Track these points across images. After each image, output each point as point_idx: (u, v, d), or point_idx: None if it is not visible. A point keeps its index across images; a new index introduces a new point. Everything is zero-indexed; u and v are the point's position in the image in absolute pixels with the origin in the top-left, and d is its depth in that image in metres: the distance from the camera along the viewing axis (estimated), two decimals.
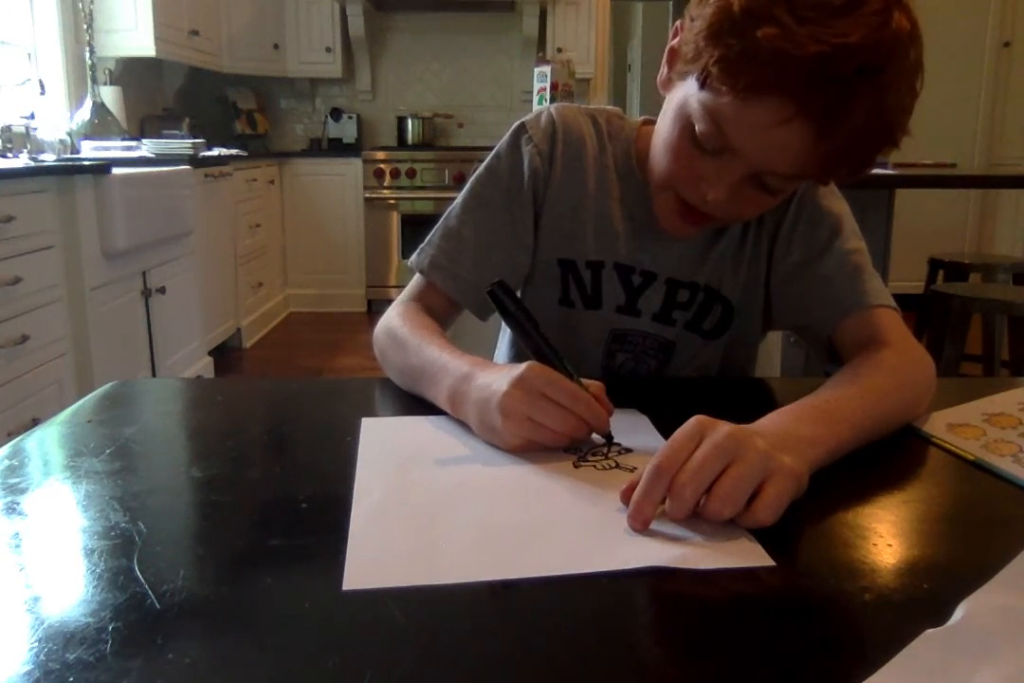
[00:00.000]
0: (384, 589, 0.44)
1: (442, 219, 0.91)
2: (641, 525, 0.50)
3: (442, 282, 0.88)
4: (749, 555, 0.48)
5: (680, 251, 0.90)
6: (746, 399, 0.82)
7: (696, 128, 0.72)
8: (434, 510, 0.54)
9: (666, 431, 0.65)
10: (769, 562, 0.47)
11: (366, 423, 0.70)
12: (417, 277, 0.91)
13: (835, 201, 0.89)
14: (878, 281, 0.85)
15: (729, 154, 0.72)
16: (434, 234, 0.91)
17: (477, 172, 0.92)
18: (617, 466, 0.61)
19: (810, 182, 0.87)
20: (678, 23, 0.76)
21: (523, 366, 0.63)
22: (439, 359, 0.72)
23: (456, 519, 0.52)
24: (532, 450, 0.63)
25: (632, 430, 0.68)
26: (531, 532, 0.51)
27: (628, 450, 0.64)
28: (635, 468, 0.60)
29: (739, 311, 0.91)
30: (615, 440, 0.65)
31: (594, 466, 0.61)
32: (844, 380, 0.70)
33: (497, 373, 0.65)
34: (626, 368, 0.94)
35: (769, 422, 0.60)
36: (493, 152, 0.92)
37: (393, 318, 0.84)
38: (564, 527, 0.52)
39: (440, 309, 0.89)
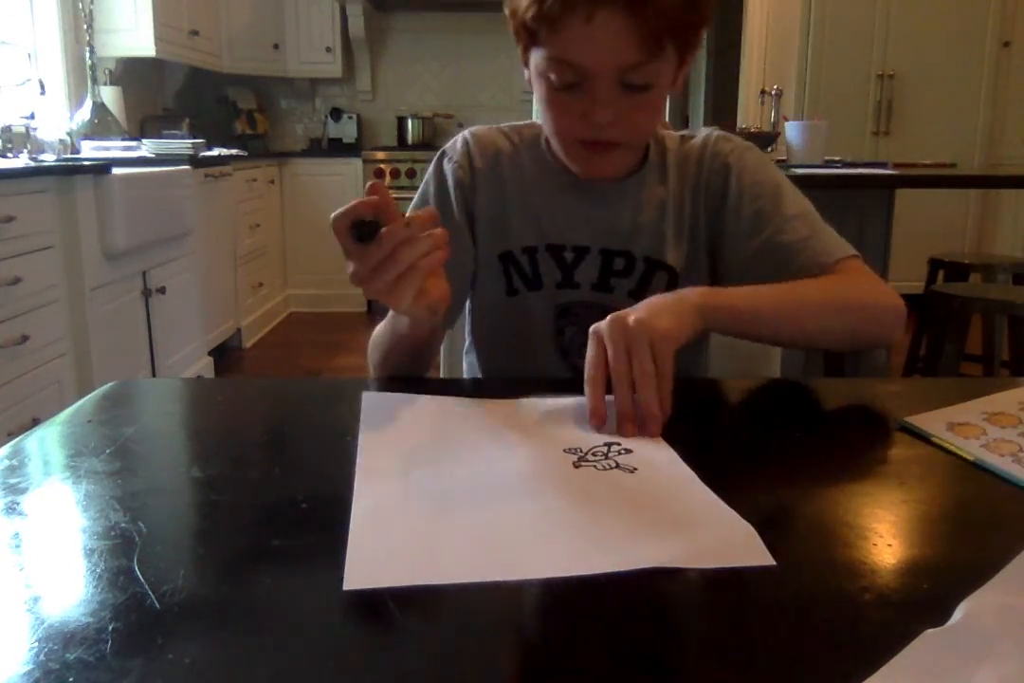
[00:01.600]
0: (384, 589, 0.44)
1: None
2: (599, 420, 0.67)
3: None
4: (750, 553, 0.48)
5: (606, 223, 0.96)
6: (745, 400, 0.82)
7: (552, 78, 0.82)
8: (435, 510, 0.54)
9: (664, 432, 0.65)
10: (770, 561, 0.47)
11: (367, 398, 0.70)
12: None
13: (768, 170, 0.95)
14: (832, 235, 0.90)
15: (587, 80, 0.81)
16: None
17: (412, 201, 1.01)
18: (617, 466, 0.61)
19: (737, 158, 0.94)
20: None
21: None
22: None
23: (457, 519, 0.52)
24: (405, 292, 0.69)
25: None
26: (532, 532, 0.51)
27: (628, 451, 0.64)
28: (635, 469, 0.60)
29: (686, 279, 0.96)
30: (615, 441, 0.65)
31: (594, 466, 0.61)
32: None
33: None
34: (577, 341, 0.98)
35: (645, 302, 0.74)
36: (423, 183, 1.01)
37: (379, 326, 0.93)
38: (564, 527, 0.52)
39: None
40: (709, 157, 0.95)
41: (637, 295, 0.96)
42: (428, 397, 0.73)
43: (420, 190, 1.01)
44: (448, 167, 0.99)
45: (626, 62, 0.79)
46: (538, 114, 0.92)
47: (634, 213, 0.96)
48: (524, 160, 0.99)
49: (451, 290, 0.98)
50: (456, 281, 0.96)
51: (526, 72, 0.88)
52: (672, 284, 0.96)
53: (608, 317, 0.70)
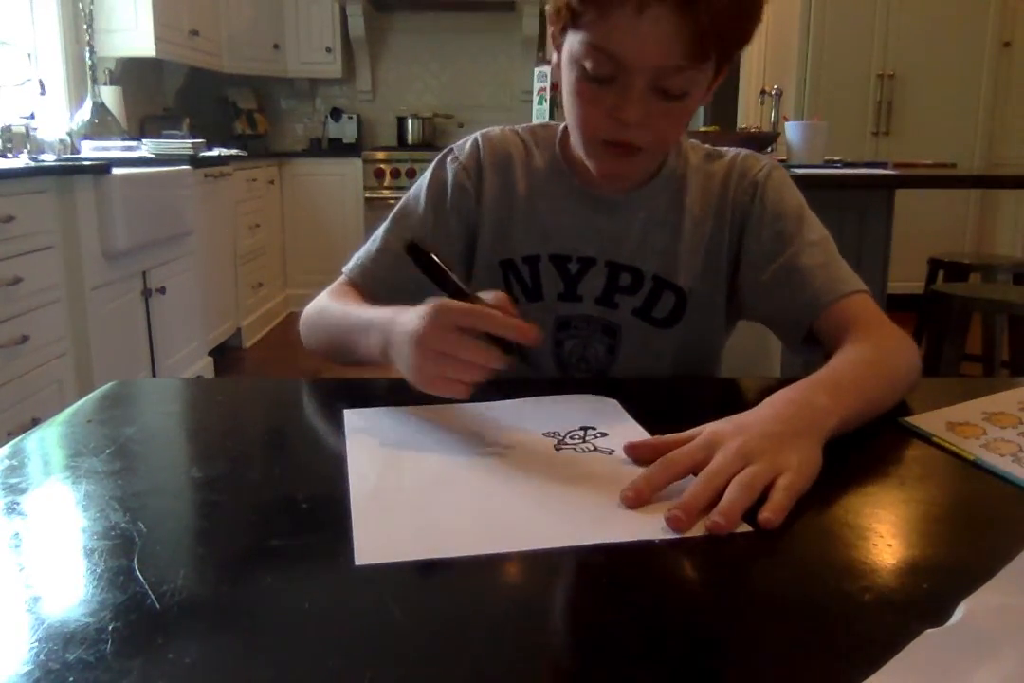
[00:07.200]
0: (386, 587, 0.44)
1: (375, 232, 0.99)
2: (635, 503, 0.53)
3: (361, 280, 0.96)
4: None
5: (614, 234, 0.94)
6: (745, 400, 0.82)
7: (587, 66, 0.79)
8: (430, 492, 0.56)
9: (658, 430, 0.65)
10: (747, 528, 0.50)
11: (348, 415, 0.71)
12: (341, 278, 0.98)
13: (792, 192, 0.94)
14: (846, 267, 0.89)
15: (622, 75, 0.78)
16: (365, 244, 0.99)
17: (406, 194, 0.99)
18: (595, 449, 0.63)
19: (765, 176, 0.93)
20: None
21: (431, 302, 0.66)
22: (365, 314, 0.78)
23: (452, 498, 0.55)
24: (454, 390, 0.64)
25: (604, 415, 0.71)
26: (524, 509, 0.53)
27: (604, 434, 0.66)
28: (613, 451, 0.63)
29: (695, 301, 0.94)
30: (591, 425, 0.67)
31: (573, 449, 0.63)
32: (839, 360, 0.76)
33: (414, 313, 0.67)
34: (575, 355, 0.97)
35: (773, 409, 0.62)
36: (422, 177, 0.99)
37: (322, 298, 0.91)
38: (555, 503, 0.54)
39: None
40: (737, 176, 0.93)
41: (642, 314, 0.95)
42: (408, 408, 0.73)
43: (417, 184, 0.99)
44: (451, 167, 0.97)
45: (667, 62, 0.76)
46: (545, 112, 0.91)
47: (644, 227, 0.94)
48: (536, 162, 0.97)
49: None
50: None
51: (555, 56, 0.85)
52: (680, 306, 0.94)
53: (735, 441, 0.57)
